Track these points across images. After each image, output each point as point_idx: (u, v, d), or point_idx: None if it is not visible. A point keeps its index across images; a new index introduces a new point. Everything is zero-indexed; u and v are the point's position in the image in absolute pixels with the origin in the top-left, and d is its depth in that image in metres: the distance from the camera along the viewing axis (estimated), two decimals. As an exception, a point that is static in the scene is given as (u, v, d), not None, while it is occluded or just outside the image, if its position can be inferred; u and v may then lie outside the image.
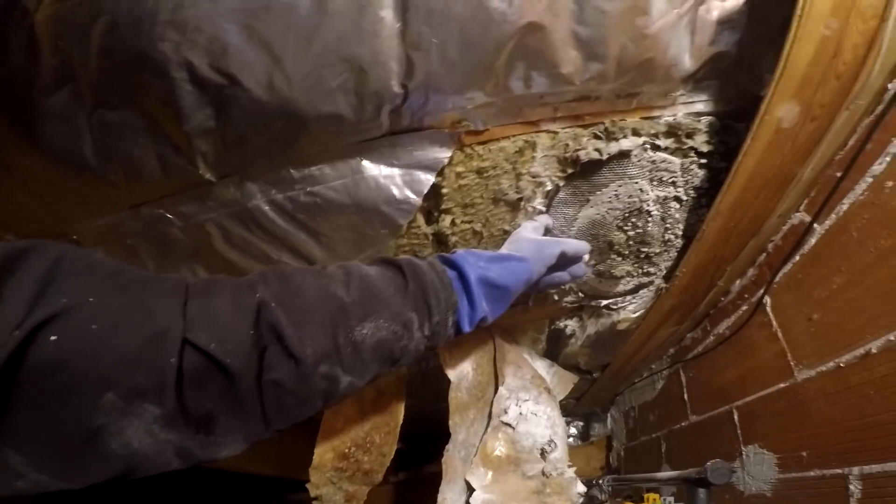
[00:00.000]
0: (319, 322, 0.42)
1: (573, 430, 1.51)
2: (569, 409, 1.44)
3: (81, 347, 0.32)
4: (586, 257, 0.67)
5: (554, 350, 1.03)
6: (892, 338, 0.53)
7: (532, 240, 0.62)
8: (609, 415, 1.44)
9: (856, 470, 0.58)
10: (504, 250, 0.61)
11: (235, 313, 0.39)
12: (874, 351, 0.55)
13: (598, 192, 0.66)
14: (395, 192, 0.59)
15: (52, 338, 0.30)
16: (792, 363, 0.69)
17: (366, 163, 0.58)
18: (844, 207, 0.60)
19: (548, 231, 0.68)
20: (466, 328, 0.54)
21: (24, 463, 0.32)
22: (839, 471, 0.60)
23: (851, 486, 0.58)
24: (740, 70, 0.56)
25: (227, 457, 0.40)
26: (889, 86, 0.53)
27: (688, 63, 0.54)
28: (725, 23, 0.52)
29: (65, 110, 0.47)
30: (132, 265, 0.55)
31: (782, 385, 0.71)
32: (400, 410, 0.93)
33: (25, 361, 0.30)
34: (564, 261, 0.64)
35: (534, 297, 0.84)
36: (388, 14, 0.45)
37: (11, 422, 0.31)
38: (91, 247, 0.61)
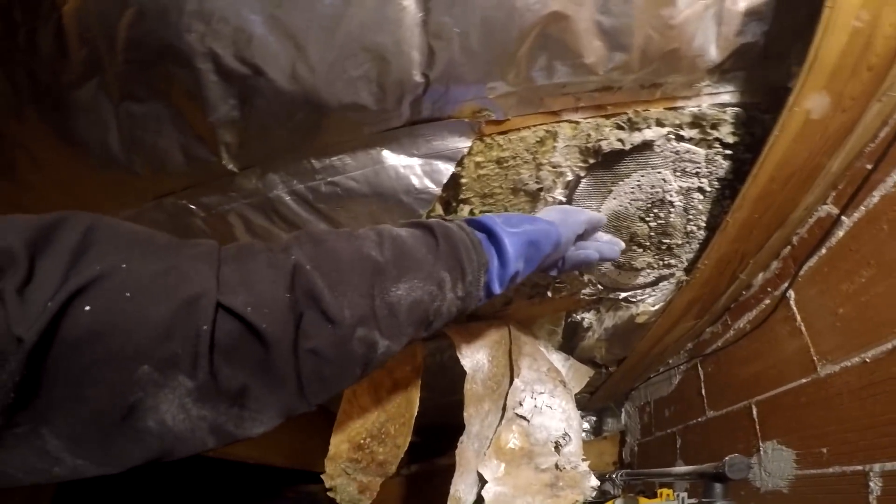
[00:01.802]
0: (356, 284, 0.42)
1: (585, 425, 1.51)
2: (582, 404, 1.44)
3: (115, 316, 0.31)
4: (621, 244, 0.67)
5: (570, 343, 1.04)
6: None
7: (556, 207, 0.62)
8: (623, 410, 1.44)
9: (877, 467, 0.57)
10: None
11: (270, 276, 0.38)
12: None
13: (621, 183, 0.66)
14: (415, 181, 0.60)
15: (86, 308, 0.30)
16: (815, 358, 0.68)
17: (386, 153, 0.58)
18: (875, 200, 0.59)
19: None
20: (497, 289, 0.53)
21: (61, 447, 0.31)
22: (860, 468, 0.60)
23: (871, 483, 0.58)
24: (768, 61, 0.56)
25: (263, 433, 0.40)
26: None
27: (714, 54, 0.54)
28: (753, 14, 0.52)
29: (92, 102, 0.48)
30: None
31: (804, 380, 0.71)
32: (415, 402, 0.94)
33: (60, 334, 0.29)
34: (586, 231, 0.63)
35: (553, 285, 0.85)
36: (410, 3, 0.45)
37: (47, 400, 0.30)
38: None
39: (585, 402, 1.43)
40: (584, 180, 0.66)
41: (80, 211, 0.34)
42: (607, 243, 0.66)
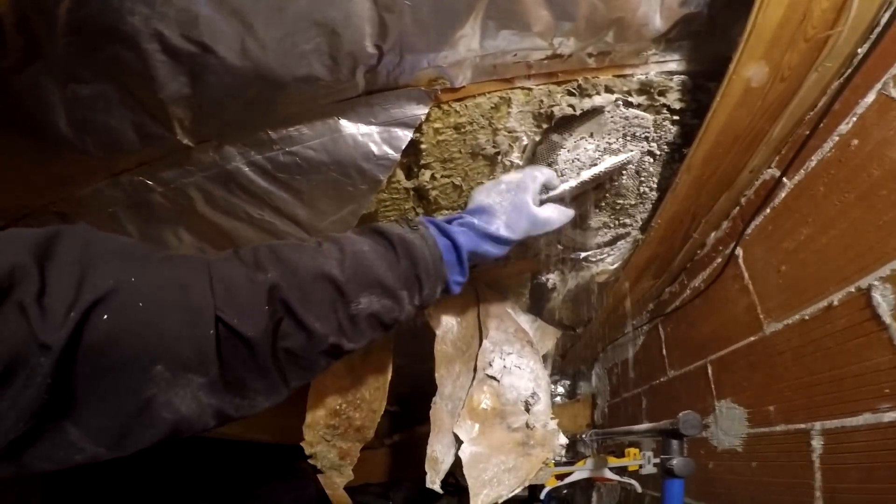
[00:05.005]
0: (319, 300, 0.50)
1: (560, 389, 1.59)
2: (556, 367, 1.51)
3: (130, 324, 0.37)
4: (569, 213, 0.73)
5: (538, 305, 1.10)
6: (852, 289, 0.56)
7: (529, 217, 0.66)
8: (594, 372, 1.51)
9: (818, 425, 0.61)
10: (502, 217, 0.65)
11: (252, 292, 0.46)
12: (835, 303, 0.59)
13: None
14: (374, 148, 0.64)
15: (104, 317, 0.36)
16: (761, 316, 0.73)
17: (343, 122, 0.62)
18: (813, 164, 0.64)
19: (548, 188, 0.70)
20: (455, 291, 0.63)
21: (83, 438, 0.38)
22: (803, 426, 0.64)
23: (813, 442, 0.62)
24: (713, 31, 0.60)
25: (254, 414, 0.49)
26: (859, 50, 0.56)
27: (658, 23, 0.58)
28: None
29: (35, 87, 0.51)
30: (115, 233, 0.60)
31: (752, 339, 0.75)
32: (388, 366, 1.00)
33: (82, 340, 0.35)
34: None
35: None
36: (359, -22, 0.48)
37: (73, 399, 0.36)
38: (73, 217, 0.66)
39: (559, 366, 1.50)
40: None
41: (70, 225, 0.40)
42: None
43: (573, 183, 0.69)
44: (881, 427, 0.52)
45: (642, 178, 0.74)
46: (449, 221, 0.63)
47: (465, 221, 0.63)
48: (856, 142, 0.58)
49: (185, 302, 0.41)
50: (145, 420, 0.40)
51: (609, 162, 0.70)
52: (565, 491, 1.33)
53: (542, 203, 0.68)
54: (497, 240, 0.63)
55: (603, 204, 0.79)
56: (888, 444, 0.52)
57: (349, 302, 0.52)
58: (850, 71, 0.58)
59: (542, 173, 0.67)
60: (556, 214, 0.68)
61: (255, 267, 0.48)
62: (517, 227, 0.65)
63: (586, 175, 0.69)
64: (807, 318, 0.64)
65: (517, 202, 0.65)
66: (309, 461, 0.98)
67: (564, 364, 1.49)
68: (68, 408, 0.36)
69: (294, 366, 0.49)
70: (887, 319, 0.52)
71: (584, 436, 1.14)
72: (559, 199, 0.70)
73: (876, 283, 0.53)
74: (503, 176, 0.68)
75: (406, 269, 0.56)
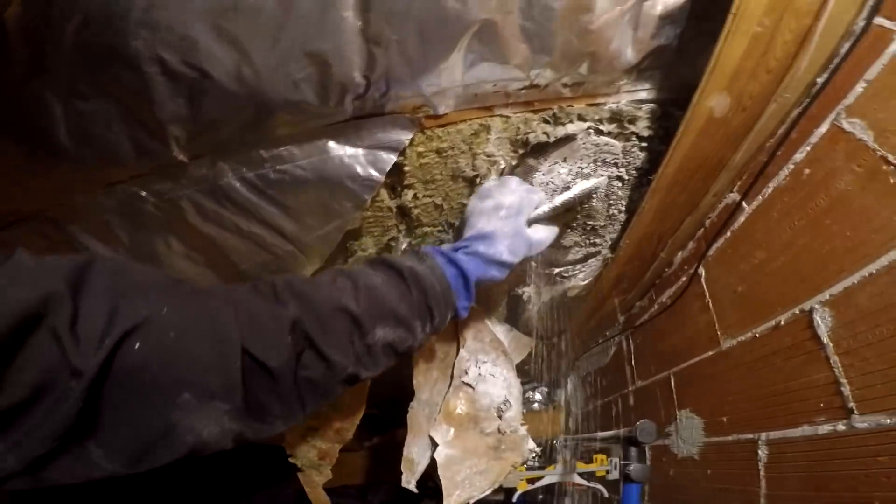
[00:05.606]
0: (338, 333, 0.54)
1: (538, 396, 1.63)
2: (532, 374, 1.55)
3: (161, 353, 0.39)
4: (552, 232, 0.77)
5: (514, 315, 1.14)
6: (796, 311, 0.61)
7: (527, 241, 0.71)
8: (569, 380, 1.56)
9: (764, 436, 0.66)
10: (505, 242, 0.69)
11: (275, 325, 0.49)
12: (782, 323, 0.63)
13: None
14: (359, 169, 0.67)
15: (136, 345, 0.37)
16: (719, 332, 0.78)
17: (331, 144, 0.65)
18: (769, 190, 0.68)
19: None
20: (464, 316, 0.67)
21: (102, 457, 0.39)
22: (751, 436, 0.68)
23: (760, 451, 0.66)
24: (682, 62, 0.64)
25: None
26: (818, 80, 0.58)
27: (630, 55, 0.62)
28: (667, 18, 0.59)
29: (38, 99, 0.52)
30: (107, 240, 0.61)
31: (710, 353, 0.80)
32: (368, 371, 1.02)
33: (113, 367, 0.36)
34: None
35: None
36: (349, 14, 0.51)
37: (99, 422, 0.37)
38: (66, 223, 0.68)
39: (536, 373, 1.54)
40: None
41: (97, 255, 0.42)
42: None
43: (549, 206, 0.74)
44: (816, 438, 0.57)
45: (611, 202, 0.78)
46: (455, 249, 0.67)
47: (470, 250, 0.67)
48: (808, 171, 0.61)
49: (214, 333, 0.43)
50: (167, 443, 0.41)
51: (581, 187, 0.74)
52: (541, 496, 1.37)
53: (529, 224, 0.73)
54: (502, 264, 0.68)
55: (575, 225, 0.83)
56: (822, 455, 0.56)
57: (365, 333, 0.55)
58: (807, 101, 0.61)
59: (538, 197, 0.72)
60: (546, 234, 0.74)
61: (275, 301, 0.51)
62: (518, 251, 0.70)
63: (559, 200, 0.74)
64: (757, 335, 0.69)
65: (517, 227, 0.70)
66: (289, 460, 1.00)
67: (541, 372, 1.53)
68: (93, 429, 0.37)
69: (313, 393, 0.52)
70: (825, 339, 0.56)
71: (555, 441, 1.18)
72: (538, 220, 0.74)
73: (817, 306, 0.58)
74: (500, 197, 0.71)
75: (418, 300, 0.59)
